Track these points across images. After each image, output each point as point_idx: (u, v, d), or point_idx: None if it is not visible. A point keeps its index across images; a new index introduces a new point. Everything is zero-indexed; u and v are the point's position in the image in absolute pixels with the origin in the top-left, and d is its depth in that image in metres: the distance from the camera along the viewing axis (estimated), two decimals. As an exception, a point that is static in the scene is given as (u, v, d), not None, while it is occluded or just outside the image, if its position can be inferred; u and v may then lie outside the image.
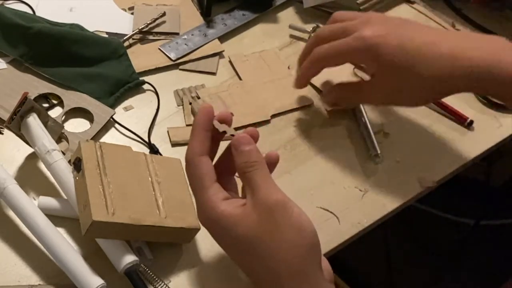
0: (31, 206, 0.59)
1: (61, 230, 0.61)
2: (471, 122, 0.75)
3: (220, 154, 0.59)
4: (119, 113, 0.74)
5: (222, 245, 0.55)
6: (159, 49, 0.80)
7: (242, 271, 0.54)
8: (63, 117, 0.72)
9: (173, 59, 0.79)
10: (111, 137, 0.72)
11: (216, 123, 0.56)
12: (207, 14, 0.84)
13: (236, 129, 0.70)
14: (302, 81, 0.73)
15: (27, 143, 0.65)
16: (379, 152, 0.71)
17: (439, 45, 0.64)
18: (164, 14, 0.83)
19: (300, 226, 0.51)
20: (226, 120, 0.57)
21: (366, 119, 0.73)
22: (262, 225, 0.50)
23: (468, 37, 0.66)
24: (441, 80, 0.63)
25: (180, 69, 0.79)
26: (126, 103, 0.75)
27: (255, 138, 0.57)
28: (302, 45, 0.82)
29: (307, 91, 0.77)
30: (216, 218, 0.53)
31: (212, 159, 0.58)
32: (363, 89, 0.70)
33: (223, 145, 0.58)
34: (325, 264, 0.54)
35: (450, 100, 0.74)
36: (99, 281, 0.56)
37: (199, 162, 0.55)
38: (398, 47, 0.64)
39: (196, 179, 0.55)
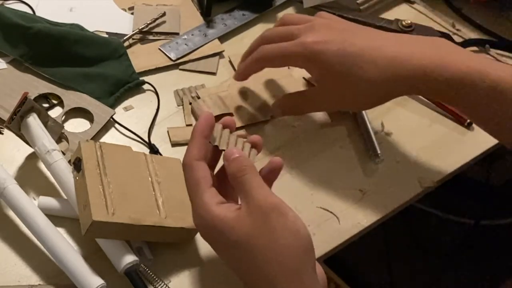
0: (31, 206, 0.59)
1: (61, 230, 0.61)
2: (471, 122, 0.75)
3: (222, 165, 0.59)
4: (119, 113, 0.74)
5: (217, 250, 0.55)
6: (159, 49, 0.80)
7: (236, 275, 0.54)
8: (63, 117, 0.72)
9: (173, 59, 0.79)
10: (111, 137, 0.72)
11: (216, 130, 0.57)
12: (207, 14, 0.84)
13: (237, 129, 0.70)
14: (242, 76, 0.73)
15: (27, 143, 0.65)
16: (379, 152, 0.71)
17: (382, 49, 0.63)
18: (164, 14, 0.83)
19: (296, 229, 0.50)
20: (230, 126, 0.58)
21: (366, 119, 0.73)
22: (257, 228, 0.50)
23: (412, 40, 0.66)
24: (382, 83, 0.63)
25: (180, 69, 0.79)
26: (126, 103, 0.75)
27: (259, 147, 0.58)
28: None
29: (307, 91, 0.77)
30: (211, 221, 0.52)
31: (214, 166, 0.58)
32: (309, 97, 0.71)
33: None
34: (319, 269, 0.54)
35: (450, 100, 0.74)
36: (99, 281, 0.56)
37: (196, 166, 0.55)
38: (338, 52, 0.64)
39: (193, 183, 0.55)
